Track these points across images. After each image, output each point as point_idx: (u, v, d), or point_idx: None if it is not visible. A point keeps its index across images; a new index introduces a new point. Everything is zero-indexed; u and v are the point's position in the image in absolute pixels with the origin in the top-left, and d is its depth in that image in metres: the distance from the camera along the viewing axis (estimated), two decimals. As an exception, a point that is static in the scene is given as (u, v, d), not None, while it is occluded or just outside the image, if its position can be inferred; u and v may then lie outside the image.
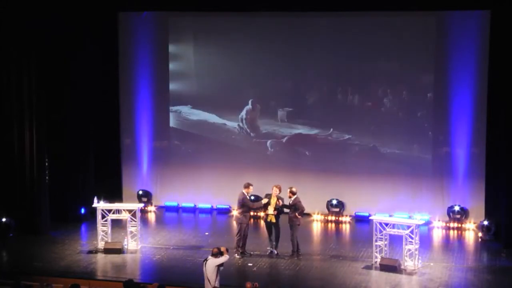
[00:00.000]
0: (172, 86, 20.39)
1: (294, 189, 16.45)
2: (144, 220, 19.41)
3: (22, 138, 18.09)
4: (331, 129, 19.59)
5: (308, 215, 19.45)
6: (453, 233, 18.56)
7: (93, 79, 19.60)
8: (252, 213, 18.16)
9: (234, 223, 17.31)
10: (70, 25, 18.69)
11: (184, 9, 19.81)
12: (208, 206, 20.51)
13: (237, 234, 16.43)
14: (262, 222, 17.70)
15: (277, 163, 19.90)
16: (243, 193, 16.45)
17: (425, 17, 18.65)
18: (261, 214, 18.33)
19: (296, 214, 16.30)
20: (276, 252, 16.47)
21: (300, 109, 19.80)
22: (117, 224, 17.48)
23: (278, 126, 20.00)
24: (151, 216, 20.23)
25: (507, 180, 17.20)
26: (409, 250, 15.53)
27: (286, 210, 16.48)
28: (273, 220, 16.43)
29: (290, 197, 16.39)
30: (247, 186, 16.50)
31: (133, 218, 16.88)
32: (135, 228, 16.89)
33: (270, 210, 16.40)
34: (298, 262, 16.14)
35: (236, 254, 16.29)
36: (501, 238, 17.43)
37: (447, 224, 18.77)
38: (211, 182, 20.36)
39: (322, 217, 19.57)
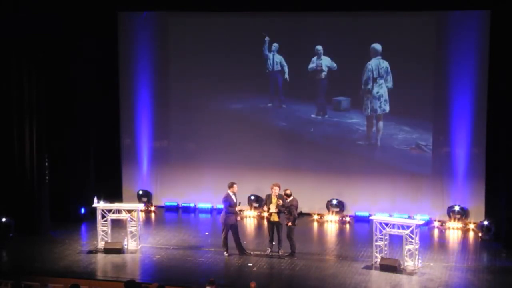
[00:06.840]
0: (172, 86, 20.40)
1: (288, 191, 16.40)
2: (144, 220, 19.44)
3: (22, 138, 18.09)
4: (331, 129, 19.63)
5: (308, 215, 19.49)
6: (453, 233, 18.56)
7: (93, 79, 19.61)
8: (251, 213, 18.15)
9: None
10: (70, 25, 18.70)
11: (184, 9, 19.81)
12: (208, 206, 20.50)
13: (222, 232, 16.45)
14: (264, 222, 17.65)
15: (277, 163, 19.89)
16: (228, 193, 16.45)
17: (425, 17, 18.65)
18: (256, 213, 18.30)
19: (290, 222, 16.28)
20: (280, 252, 16.43)
21: (300, 109, 19.79)
22: (117, 224, 17.47)
23: (278, 126, 20.01)
24: (151, 216, 20.23)
25: (507, 180, 17.21)
26: (409, 250, 15.52)
27: (281, 209, 16.46)
28: (276, 219, 16.38)
29: (285, 199, 16.38)
30: (231, 185, 16.48)
31: (133, 218, 16.90)
32: (135, 228, 16.89)
33: (272, 208, 16.35)
34: (298, 262, 16.13)
35: (225, 253, 16.36)
36: (501, 238, 17.43)
37: (447, 224, 18.77)
38: (211, 182, 20.33)
39: (322, 217, 19.56)
